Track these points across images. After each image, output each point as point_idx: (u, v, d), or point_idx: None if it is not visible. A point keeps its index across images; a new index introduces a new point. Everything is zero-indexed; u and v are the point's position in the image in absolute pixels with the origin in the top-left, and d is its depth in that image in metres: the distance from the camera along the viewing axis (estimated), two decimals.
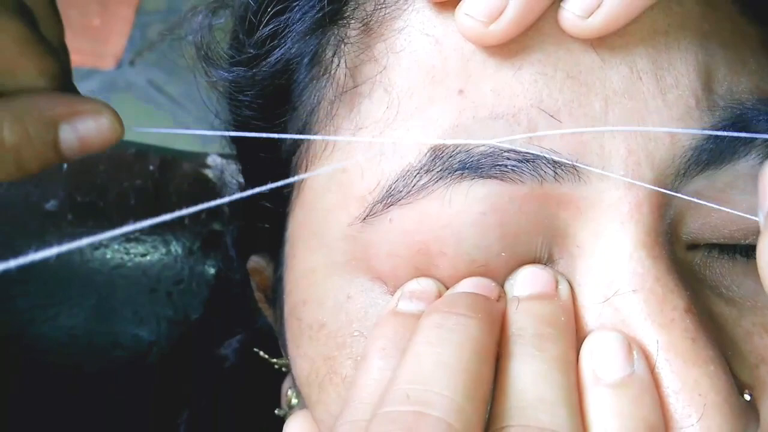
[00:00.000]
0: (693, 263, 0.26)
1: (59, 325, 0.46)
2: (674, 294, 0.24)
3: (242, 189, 0.46)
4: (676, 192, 0.25)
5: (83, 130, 0.27)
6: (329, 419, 0.28)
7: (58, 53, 0.28)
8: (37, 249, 0.42)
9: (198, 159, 0.56)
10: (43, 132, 0.26)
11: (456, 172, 0.24)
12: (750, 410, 0.24)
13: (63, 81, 0.28)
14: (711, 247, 0.26)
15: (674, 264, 0.25)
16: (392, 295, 0.27)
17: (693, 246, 0.26)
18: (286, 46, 0.29)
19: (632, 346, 0.23)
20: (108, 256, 0.49)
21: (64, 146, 0.27)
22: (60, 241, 0.46)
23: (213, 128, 0.37)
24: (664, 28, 0.25)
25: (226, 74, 0.32)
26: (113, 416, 0.46)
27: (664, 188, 0.25)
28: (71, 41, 0.30)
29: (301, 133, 0.29)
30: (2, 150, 0.26)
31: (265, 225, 0.35)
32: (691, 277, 0.25)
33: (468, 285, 0.25)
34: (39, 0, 0.27)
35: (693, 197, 0.25)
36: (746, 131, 0.25)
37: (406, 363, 0.22)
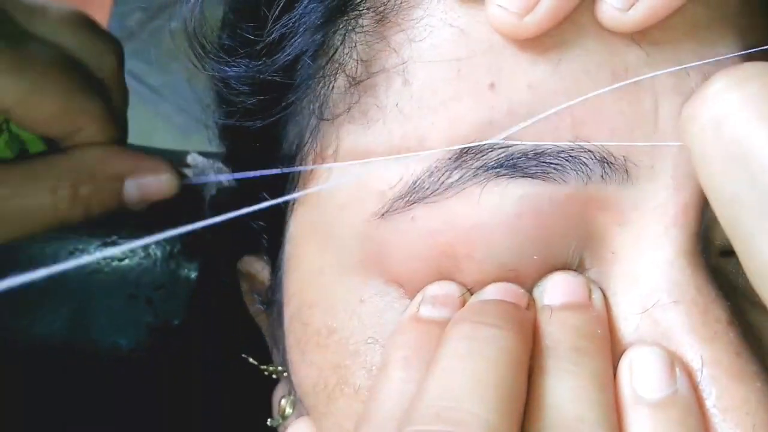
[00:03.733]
0: (727, 270, 0.25)
1: (34, 335, 0.44)
2: (716, 305, 0.23)
3: (228, 191, 0.44)
4: None
5: (145, 185, 0.32)
6: None
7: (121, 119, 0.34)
8: (9, 252, 0.39)
9: (177, 158, 0.53)
10: (111, 185, 0.32)
11: (492, 170, 0.23)
12: None
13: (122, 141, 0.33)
14: None
15: (712, 272, 0.23)
16: (410, 299, 0.25)
17: (725, 252, 0.25)
18: (297, 38, 0.27)
19: (674, 362, 0.22)
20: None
21: (126, 197, 0.32)
22: (36, 244, 0.43)
23: (197, 119, 0.36)
24: (706, 22, 0.24)
25: (226, 69, 0.29)
26: (93, 428, 0.44)
27: None
28: None
29: (309, 127, 0.28)
30: (76, 199, 0.31)
31: (260, 223, 0.33)
32: (726, 286, 0.24)
33: (495, 291, 0.24)
34: (111, 74, 0.33)
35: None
36: None
37: (434, 377, 0.21)
